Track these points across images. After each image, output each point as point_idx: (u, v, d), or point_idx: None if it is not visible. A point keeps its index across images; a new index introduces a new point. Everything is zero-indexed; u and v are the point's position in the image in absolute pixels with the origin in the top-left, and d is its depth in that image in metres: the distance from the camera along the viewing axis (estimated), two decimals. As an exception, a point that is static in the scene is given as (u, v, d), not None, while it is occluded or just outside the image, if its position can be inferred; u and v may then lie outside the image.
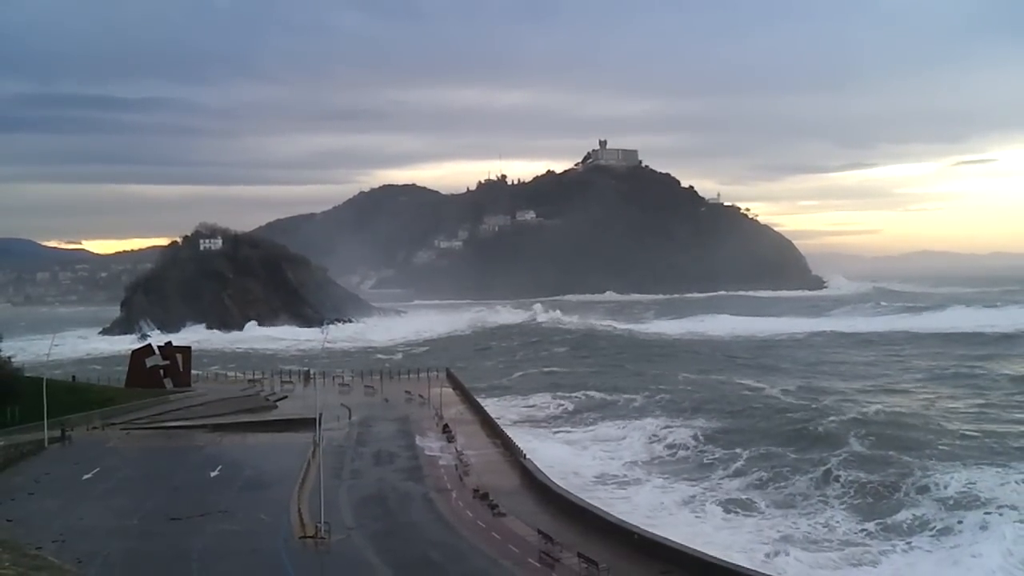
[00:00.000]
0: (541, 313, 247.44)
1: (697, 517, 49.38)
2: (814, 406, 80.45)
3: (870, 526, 46.84)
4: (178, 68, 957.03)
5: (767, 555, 41.56)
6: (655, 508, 50.95)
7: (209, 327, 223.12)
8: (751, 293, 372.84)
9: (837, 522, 47.97)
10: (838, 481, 55.04)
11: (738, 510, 50.65)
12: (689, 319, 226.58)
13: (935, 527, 45.55)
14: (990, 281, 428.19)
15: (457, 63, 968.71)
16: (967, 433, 68.82)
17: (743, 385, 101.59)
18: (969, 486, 51.11)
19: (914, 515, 47.52)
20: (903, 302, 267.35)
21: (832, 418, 73.19)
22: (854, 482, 54.29)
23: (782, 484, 55.99)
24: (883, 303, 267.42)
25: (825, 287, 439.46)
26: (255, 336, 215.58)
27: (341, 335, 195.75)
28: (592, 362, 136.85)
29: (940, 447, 63.22)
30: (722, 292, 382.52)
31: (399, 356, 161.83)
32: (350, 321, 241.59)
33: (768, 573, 31.56)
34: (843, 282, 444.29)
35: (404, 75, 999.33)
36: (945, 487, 51.40)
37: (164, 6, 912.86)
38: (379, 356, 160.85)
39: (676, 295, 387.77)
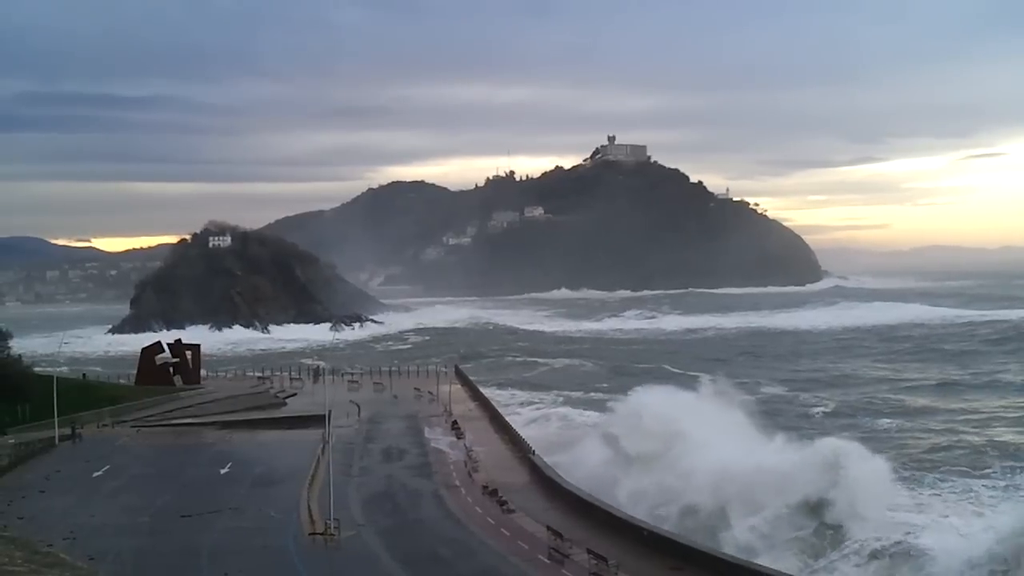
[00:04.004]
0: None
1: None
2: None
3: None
4: (181, 66, 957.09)
5: None
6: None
7: (218, 324, 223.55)
8: (753, 290, 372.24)
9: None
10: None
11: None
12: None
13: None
14: (998, 275, 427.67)
15: (461, 59, 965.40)
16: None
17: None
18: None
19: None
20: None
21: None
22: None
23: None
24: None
25: (821, 282, 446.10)
26: (264, 334, 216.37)
27: (351, 335, 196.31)
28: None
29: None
30: (723, 290, 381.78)
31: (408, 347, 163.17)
32: (359, 319, 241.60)
33: (783, 571, 31.23)
34: (834, 279, 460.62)
35: (408, 71, 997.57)
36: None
37: (166, 5, 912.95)
38: (387, 351, 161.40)
39: (686, 290, 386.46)
